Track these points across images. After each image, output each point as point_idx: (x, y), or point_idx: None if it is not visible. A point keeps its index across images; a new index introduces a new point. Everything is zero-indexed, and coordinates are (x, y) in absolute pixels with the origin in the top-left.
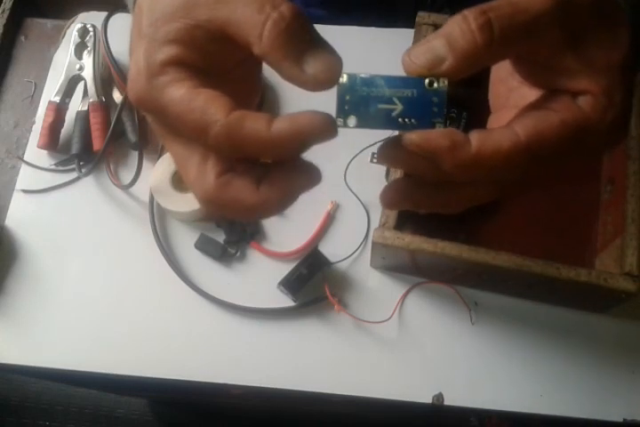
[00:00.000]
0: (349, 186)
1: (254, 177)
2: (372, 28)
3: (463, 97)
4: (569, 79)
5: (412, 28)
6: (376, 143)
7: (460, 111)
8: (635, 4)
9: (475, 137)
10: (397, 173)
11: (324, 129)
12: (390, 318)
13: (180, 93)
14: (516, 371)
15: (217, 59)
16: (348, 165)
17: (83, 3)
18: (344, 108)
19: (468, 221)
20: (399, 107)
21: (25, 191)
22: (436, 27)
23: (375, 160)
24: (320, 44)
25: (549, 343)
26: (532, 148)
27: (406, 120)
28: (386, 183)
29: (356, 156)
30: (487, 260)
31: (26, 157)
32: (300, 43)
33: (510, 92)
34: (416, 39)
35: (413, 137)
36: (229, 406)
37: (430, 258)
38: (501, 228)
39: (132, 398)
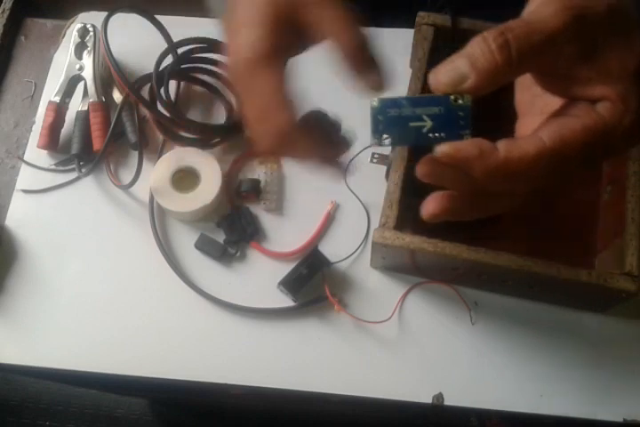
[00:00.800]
0: (349, 186)
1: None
2: (372, 28)
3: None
4: (586, 88)
5: (412, 27)
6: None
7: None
8: None
9: (502, 145)
10: (397, 175)
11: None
12: (390, 317)
13: (268, 87)
14: (515, 371)
15: (295, 47)
16: (348, 165)
17: (83, 3)
18: (378, 128)
19: (468, 221)
20: (429, 123)
21: (25, 191)
22: (436, 26)
23: (375, 160)
24: (376, 62)
25: (549, 343)
26: (556, 153)
27: (436, 135)
28: (386, 183)
29: (356, 155)
30: (488, 260)
31: (26, 157)
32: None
33: (534, 98)
34: (416, 39)
35: (445, 148)
36: (229, 406)
37: (430, 258)
38: (501, 227)
39: (132, 398)
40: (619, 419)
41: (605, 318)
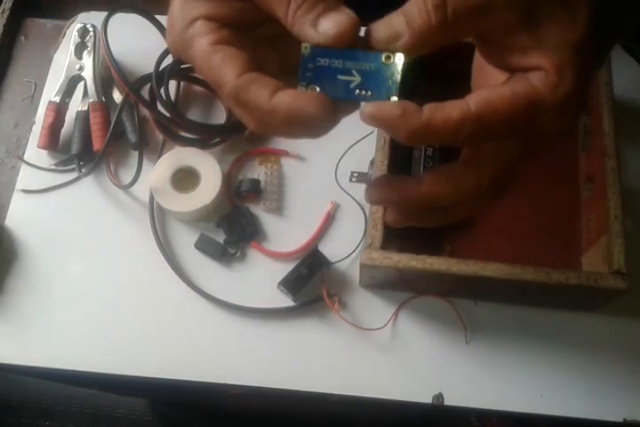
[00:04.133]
0: (341, 186)
1: (274, 85)
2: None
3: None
4: (522, 56)
5: None
6: (363, 138)
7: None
8: None
9: (427, 107)
10: None
11: (320, 117)
12: (390, 319)
13: (203, 49)
14: (515, 371)
15: (244, 14)
16: (338, 163)
17: (83, 3)
18: (306, 75)
19: (453, 231)
20: (357, 79)
21: (25, 191)
22: None
23: (354, 179)
24: (331, 8)
25: (548, 344)
26: (482, 117)
27: (363, 91)
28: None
29: (345, 154)
30: (476, 271)
31: (26, 157)
32: (316, 12)
33: (486, 77)
34: None
35: (368, 108)
36: (229, 406)
37: (420, 274)
38: (486, 234)
39: (132, 398)
40: (619, 419)
41: (602, 316)
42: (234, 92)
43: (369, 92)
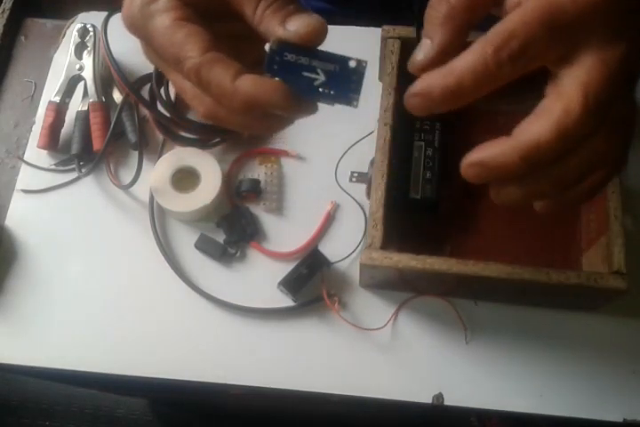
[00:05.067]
0: (341, 186)
1: (237, 67)
2: (376, 29)
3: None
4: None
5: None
6: (363, 138)
7: (434, 122)
8: None
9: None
10: (379, 193)
11: (281, 105)
12: (390, 319)
13: (165, 25)
14: (515, 371)
15: (208, 1)
16: (338, 163)
17: (83, 3)
18: (272, 67)
19: (453, 231)
20: (321, 78)
21: (25, 191)
22: (402, 39)
23: (354, 179)
24: (301, 11)
25: (548, 344)
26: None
27: (326, 91)
28: (367, 201)
29: (345, 154)
30: (477, 271)
31: (26, 157)
32: (284, 12)
33: None
34: (383, 53)
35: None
36: (229, 406)
37: (420, 274)
38: (486, 235)
39: (132, 398)
40: (619, 419)
41: (603, 316)
42: (196, 69)
43: (331, 92)
